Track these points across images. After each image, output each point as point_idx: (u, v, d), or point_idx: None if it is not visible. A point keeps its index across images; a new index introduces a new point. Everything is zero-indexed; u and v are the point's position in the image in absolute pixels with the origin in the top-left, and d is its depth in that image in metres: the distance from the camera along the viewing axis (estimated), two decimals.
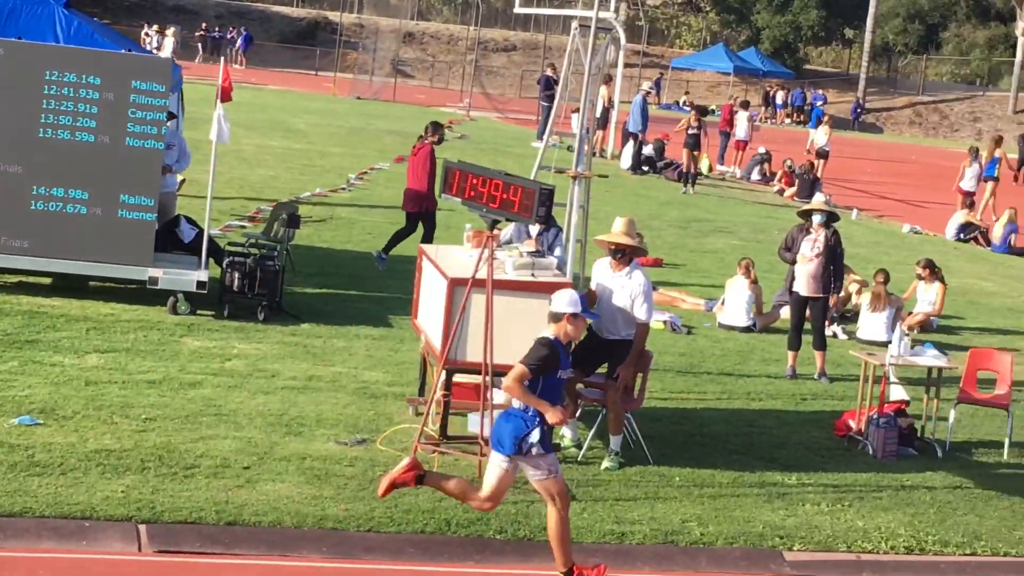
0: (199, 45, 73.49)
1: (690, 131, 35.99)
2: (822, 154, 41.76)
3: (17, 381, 12.73)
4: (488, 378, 11.53)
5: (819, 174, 38.85)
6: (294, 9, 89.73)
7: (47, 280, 16.61)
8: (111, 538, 9.64)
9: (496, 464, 9.70)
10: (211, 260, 16.58)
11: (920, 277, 20.95)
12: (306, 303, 17.27)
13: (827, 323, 17.65)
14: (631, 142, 39.40)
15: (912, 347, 14.87)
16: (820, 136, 42.90)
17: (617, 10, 19.76)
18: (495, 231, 11.82)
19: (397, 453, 11.63)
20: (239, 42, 74.43)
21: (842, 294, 20.12)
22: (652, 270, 22.34)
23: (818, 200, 17.59)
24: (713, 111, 53.60)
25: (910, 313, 20.46)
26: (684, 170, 36.36)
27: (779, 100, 76.37)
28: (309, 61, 76.80)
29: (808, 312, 16.88)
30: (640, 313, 12.55)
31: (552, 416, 9.44)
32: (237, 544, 9.82)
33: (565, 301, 9.95)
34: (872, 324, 19.17)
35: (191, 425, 12.08)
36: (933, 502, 12.37)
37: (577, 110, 17.50)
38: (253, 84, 56.81)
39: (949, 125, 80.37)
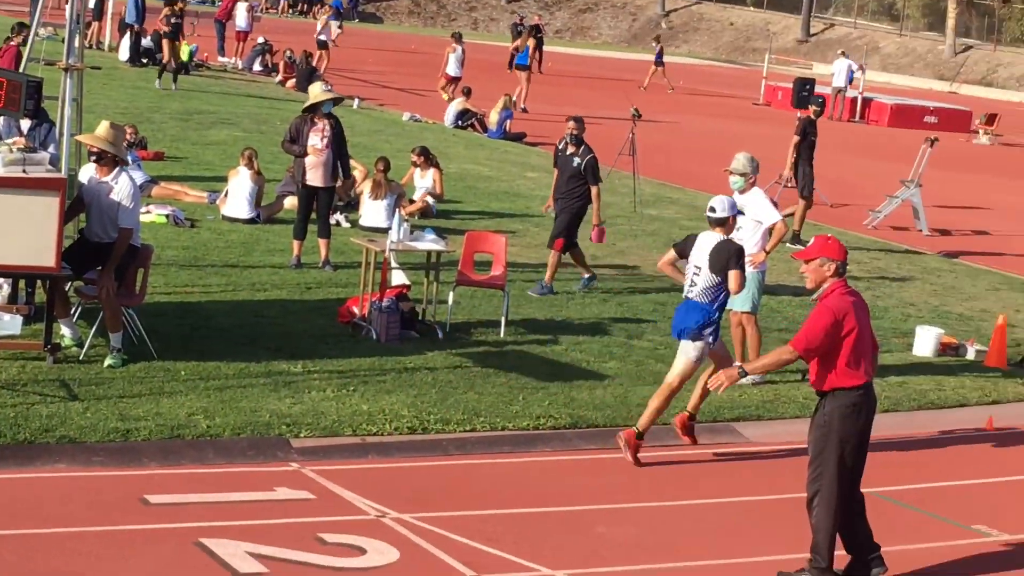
0: None
1: (172, 20, 34.19)
2: (321, 44, 41.77)
3: None
4: None
5: (318, 64, 38.91)
6: None
7: None
8: None
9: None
10: None
11: (415, 164, 21.42)
12: None
13: (331, 211, 17.79)
14: (128, 33, 38.31)
15: (412, 232, 15.20)
16: (323, 27, 42.75)
17: None
18: None
19: None
20: None
21: (348, 181, 20.36)
22: (154, 164, 21.92)
23: (318, 90, 17.59)
24: (214, 1, 52.75)
25: (411, 200, 20.90)
26: (164, 62, 34.16)
27: None
28: None
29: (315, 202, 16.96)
30: (123, 219, 12.32)
31: None
32: None
33: (727, 205, 11.72)
34: (373, 211, 19.45)
35: None
36: (435, 382, 12.75)
37: None
38: None
39: (447, 14, 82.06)
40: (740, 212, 12.65)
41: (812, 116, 23.28)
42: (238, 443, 10.80)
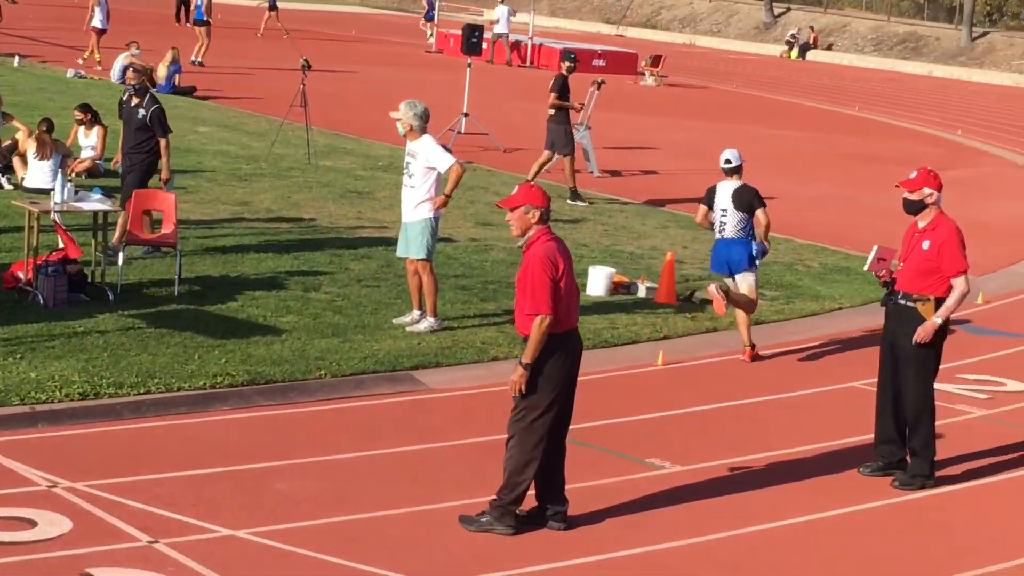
0: None
1: None
2: None
3: None
4: None
5: None
6: None
7: None
8: None
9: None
10: None
11: (80, 122, 20.79)
12: None
13: None
14: None
15: (77, 193, 14.74)
16: None
17: None
18: None
19: None
20: None
21: (9, 143, 19.68)
22: None
23: None
24: None
25: (77, 159, 20.28)
26: None
27: None
28: None
29: None
30: None
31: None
32: None
33: (738, 156, 14.27)
34: (38, 173, 18.80)
35: None
36: (106, 346, 12.41)
37: None
38: None
39: None
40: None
41: (565, 72, 23.03)
42: None
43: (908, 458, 10.95)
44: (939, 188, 10.86)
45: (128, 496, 9.30)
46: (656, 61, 47.24)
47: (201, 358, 12.31)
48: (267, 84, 34.56)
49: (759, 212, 14.12)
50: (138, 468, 9.90)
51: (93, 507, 9.09)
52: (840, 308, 16.86)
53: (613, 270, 16.65)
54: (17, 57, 34.03)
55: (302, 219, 18.90)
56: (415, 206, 13.90)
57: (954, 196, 23.91)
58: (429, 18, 53.42)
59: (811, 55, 68.83)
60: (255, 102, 30.95)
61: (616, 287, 16.45)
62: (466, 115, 27.71)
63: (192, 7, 40.26)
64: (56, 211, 14.22)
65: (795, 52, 68.79)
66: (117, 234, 15.40)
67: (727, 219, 14.13)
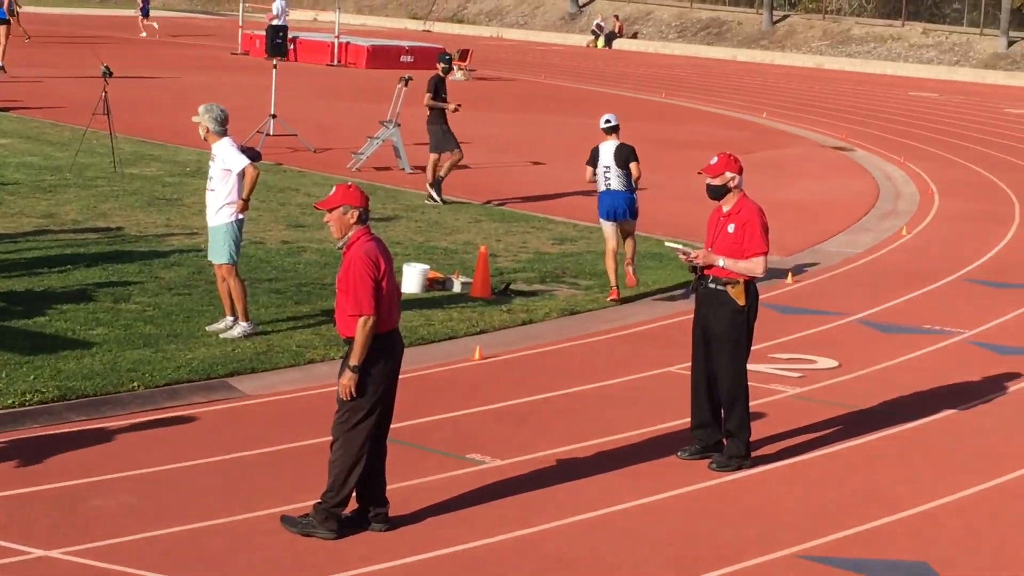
0: None
1: None
2: None
3: None
4: None
5: None
6: None
7: None
8: None
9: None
10: None
11: None
12: None
13: None
14: None
15: None
16: None
17: None
18: None
19: None
20: None
21: None
22: None
23: None
24: None
25: None
26: None
27: None
28: None
29: None
30: None
31: None
32: None
33: (614, 117, 16.90)
34: None
35: None
36: None
37: None
38: None
39: None
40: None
41: (440, 74, 22.89)
42: None
43: (725, 440, 11.12)
44: (740, 172, 11.04)
45: None
46: (464, 55, 47.35)
47: (9, 375, 12.00)
48: (68, 92, 33.84)
49: (633, 166, 16.58)
50: None
51: None
52: (654, 293, 17.06)
53: (427, 267, 16.64)
54: None
55: (110, 229, 18.54)
56: (216, 210, 13.79)
57: (760, 178, 24.44)
58: (144, 13, 51.40)
59: (617, 44, 69.63)
60: (57, 111, 30.31)
61: (431, 283, 16.44)
62: (274, 116, 27.45)
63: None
64: None
65: (601, 41, 69.53)
66: None
67: (610, 175, 16.60)
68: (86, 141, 24.31)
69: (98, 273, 15.91)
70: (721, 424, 11.13)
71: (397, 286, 9.42)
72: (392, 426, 9.55)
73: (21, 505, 9.46)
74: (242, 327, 13.82)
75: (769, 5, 68.34)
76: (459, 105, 23.07)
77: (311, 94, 37.58)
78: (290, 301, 15.23)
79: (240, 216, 13.84)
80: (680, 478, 10.72)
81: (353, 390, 9.07)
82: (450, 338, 14.48)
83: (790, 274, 18.35)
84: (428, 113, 22.67)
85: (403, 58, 49.17)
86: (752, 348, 11.23)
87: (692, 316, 11.31)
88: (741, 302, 10.89)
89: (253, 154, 25.09)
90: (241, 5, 54.65)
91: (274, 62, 28.24)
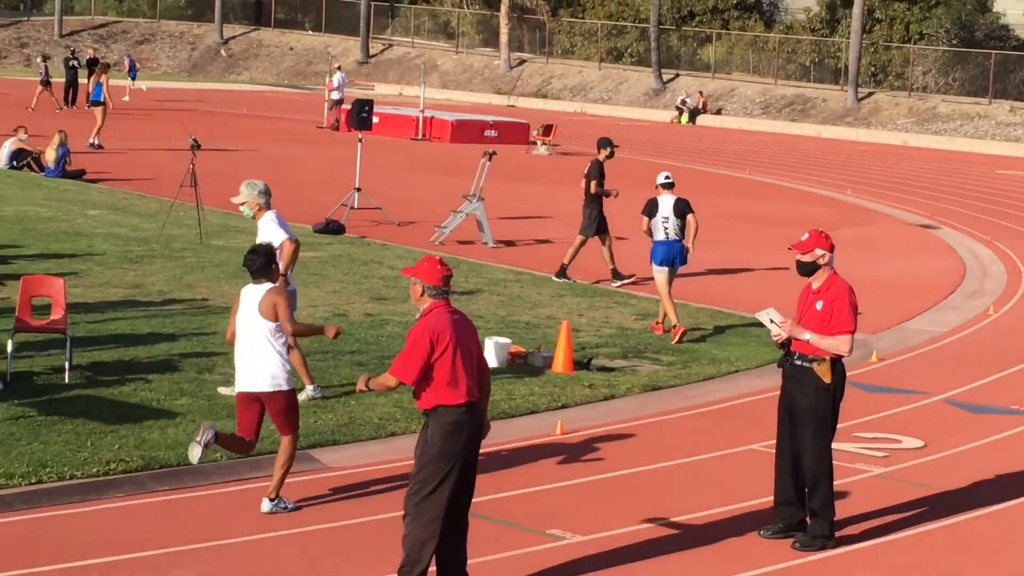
0: None
1: None
2: None
3: None
4: None
5: None
6: None
7: None
8: None
9: None
10: None
11: None
12: None
13: None
14: None
15: None
16: None
17: None
18: None
19: None
20: None
21: None
22: None
23: None
24: None
25: None
26: None
27: None
28: None
29: None
30: None
31: None
32: None
33: (670, 174, 18.73)
34: None
35: None
36: None
37: None
38: None
39: None
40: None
41: (602, 159, 22.52)
42: None
43: (808, 519, 10.99)
44: (831, 249, 10.98)
45: None
46: (548, 130, 47.59)
47: (94, 444, 12.11)
48: (157, 164, 34.33)
49: (690, 217, 18.49)
50: (31, 560, 9.69)
51: None
52: (737, 371, 16.96)
53: (509, 341, 16.64)
54: None
55: (195, 300, 18.72)
56: None
57: (846, 255, 24.26)
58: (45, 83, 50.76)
59: (701, 120, 69.71)
60: (145, 183, 30.74)
61: (513, 357, 16.44)
62: (358, 190, 27.69)
63: (90, 88, 39.84)
64: None
65: (685, 117, 69.64)
66: None
67: (668, 224, 18.41)
68: (173, 213, 24.62)
69: (183, 344, 16.06)
70: (805, 503, 11.00)
71: (477, 361, 9.40)
72: (474, 500, 9.51)
73: (104, 574, 9.51)
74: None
75: (854, 82, 68.20)
76: (618, 192, 22.97)
77: (395, 167, 37.87)
78: (372, 374, 15.25)
79: (291, 287, 14.02)
80: (762, 557, 10.60)
81: (364, 387, 9.29)
82: (532, 412, 14.45)
83: (875, 352, 18.18)
84: (585, 196, 22.54)
85: (487, 132, 49.49)
86: (837, 426, 11.11)
87: (773, 394, 11.22)
88: (827, 380, 10.80)
89: (337, 227, 25.36)
90: (327, 80, 55.27)
91: (359, 136, 28.51)
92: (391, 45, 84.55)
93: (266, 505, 10.97)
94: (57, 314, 14.85)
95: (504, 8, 79.26)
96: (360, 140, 28.32)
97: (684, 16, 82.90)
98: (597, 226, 22.36)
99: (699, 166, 44.67)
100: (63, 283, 15.21)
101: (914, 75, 71.82)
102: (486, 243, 25.26)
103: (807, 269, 11.00)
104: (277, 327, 10.90)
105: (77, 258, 20.97)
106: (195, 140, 24.23)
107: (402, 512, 9.26)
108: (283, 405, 10.95)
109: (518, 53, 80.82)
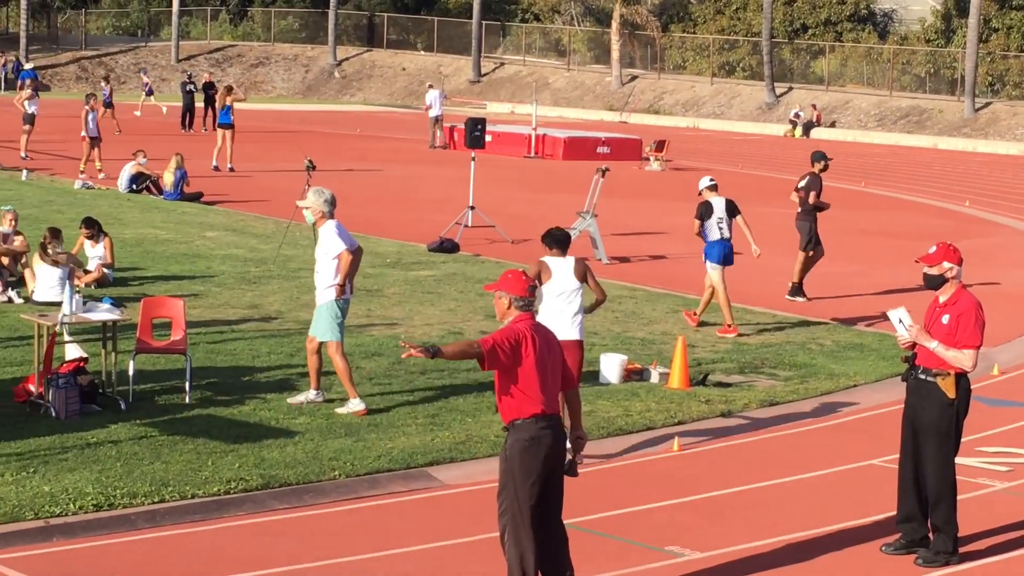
0: None
1: None
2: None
3: None
4: None
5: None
6: None
7: None
8: None
9: None
10: None
11: (85, 236, 20.89)
12: None
13: (3, 288, 17.21)
14: None
15: (86, 303, 14.75)
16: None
17: None
18: None
19: None
20: None
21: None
22: None
23: None
24: None
25: (85, 270, 20.34)
26: None
27: None
28: None
29: None
30: None
31: None
32: None
33: (712, 177, 19.58)
34: (46, 285, 18.82)
35: None
36: (119, 456, 12.36)
37: None
38: None
39: (116, 78, 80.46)
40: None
41: (818, 171, 22.51)
42: None
43: (931, 535, 10.83)
44: (959, 262, 10.83)
45: None
46: (660, 146, 47.44)
47: (215, 464, 12.25)
48: (273, 186, 34.72)
49: (740, 218, 19.52)
50: None
51: None
52: (855, 385, 16.76)
53: (625, 357, 16.59)
54: (25, 170, 34.26)
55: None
56: (323, 290, 14.38)
57: (964, 267, 23.83)
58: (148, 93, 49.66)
59: (815, 133, 69.12)
60: (262, 204, 31.07)
61: (629, 374, 16.39)
62: (472, 208, 27.79)
63: (216, 110, 40.46)
64: (63, 322, 14.21)
65: (799, 131, 69.09)
66: None
67: (723, 224, 19.27)
68: (290, 233, 24.87)
69: (301, 363, 16.17)
70: (928, 518, 10.84)
71: (560, 377, 9.33)
72: (592, 517, 9.55)
73: None
74: (351, 404, 14.22)
75: (971, 92, 67.26)
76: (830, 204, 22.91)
77: (508, 185, 37.97)
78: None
79: (346, 296, 14.32)
80: (885, 573, 10.46)
81: (415, 352, 8.96)
82: (648, 428, 14.39)
83: (996, 366, 17.89)
84: (799, 210, 22.49)
85: (599, 149, 49.44)
86: (960, 441, 10.94)
87: (894, 408, 11.08)
88: (951, 395, 10.64)
89: (451, 245, 25.47)
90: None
91: (472, 154, 28.62)
92: (503, 63, 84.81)
93: None
94: (177, 335, 15.06)
95: (615, 25, 79.20)
96: (473, 159, 28.43)
97: (796, 29, 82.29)
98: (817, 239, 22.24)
99: None
100: (183, 304, 15.43)
101: None
102: (600, 259, 25.21)
103: (934, 282, 10.86)
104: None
105: (196, 279, 21.25)
106: (310, 161, 24.47)
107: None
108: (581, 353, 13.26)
109: (629, 69, 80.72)
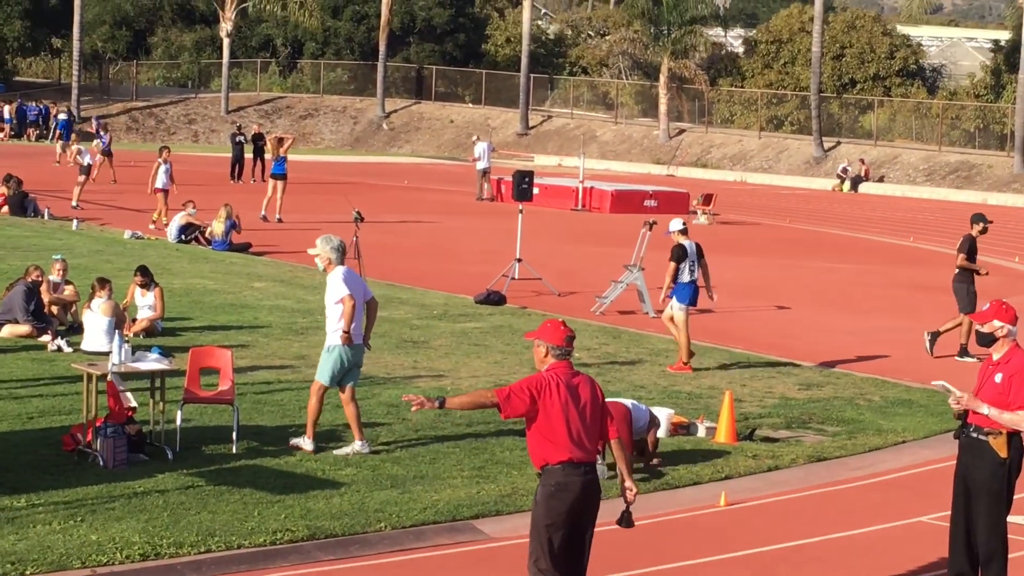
0: None
1: None
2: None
3: None
4: None
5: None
6: None
7: None
8: None
9: None
10: None
11: (137, 284, 21.01)
12: None
13: (53, 337, 17.31)
14: None
15: (135, 353, 14.83)
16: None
17: None
18: None
19: None
20: None
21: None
22: None
23: None
24: None
25: (135, 320, 20.45)
26: None
27: (5, 114, 74.25)
28: None
29: None
30: None
31: None
32: None
33: (682, 219, 20.41)
34: (95, 334, 18.94)
35: None
36: (166, 505, 12.39)
37: None
38: None
39: (166, 128, 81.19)
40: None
41: (975, 234, 22.63)
42: None
43: None
44: (1011, 321, 10.75)
45: None
46: (708, 199, 47.39)
47: (261, 514, 12.26)
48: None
49: (705, 260, 20.26)
50: None
51: None
52: (904, 442, 16.63)
53: (671, 411, 16.52)
54: (75, 221, 34.55)
55: None
56: (330, 334, 14.62)
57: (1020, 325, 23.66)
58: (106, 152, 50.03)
59: (863, 187, 68.92)
60: (310, 256, 31.10)
61: (675, 428, 16.32)
62: (519, 260, 27.81)
63: (267, 161, 40.75)
64: (113, 372, 14.28)
65: (847, 185, 68.90)
66: None
67: (694, 267, 20.12)
68: None
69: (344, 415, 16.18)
70: None
71: (591, 428, 9.29)
72: (638, 571, 9.46)
73: None
74: (355, 446, 14.44)
75: (1020, 147, 66.91)
76: (988, 271, 22.87)
77: (556, 238, 38.01)
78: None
79: (358, 343, 14.59)
80: None
81: (420, 405, 9.20)
82: (695, 483, 14.31)
83: None
84: (956, 272, 22.50)
85: (647, 202, 49.41)
86: (1013, 499, 10.82)
87: (942, 465, 10.99)
88: (1003, 454, 10.54)
89: (498, 297, 25.48)
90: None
91: (520, 206, 28.67)
92: (550, 116, 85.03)
93: None
94: (225, 385, 15.11)
95: (663, 79, 79.32)
96: (520, 211, 28.48)
97: (845, 84, 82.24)
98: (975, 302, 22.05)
99: (862, 234, 44.12)
100: (231, 353, 15.48)
101: None
102: (647, 313, 25.16)
103: (985, 340, 10.80)
104: None
105: (244, 329, 21.32)
106: (358, 212, 24.57)
107: None
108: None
109: (677, 123, 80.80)
